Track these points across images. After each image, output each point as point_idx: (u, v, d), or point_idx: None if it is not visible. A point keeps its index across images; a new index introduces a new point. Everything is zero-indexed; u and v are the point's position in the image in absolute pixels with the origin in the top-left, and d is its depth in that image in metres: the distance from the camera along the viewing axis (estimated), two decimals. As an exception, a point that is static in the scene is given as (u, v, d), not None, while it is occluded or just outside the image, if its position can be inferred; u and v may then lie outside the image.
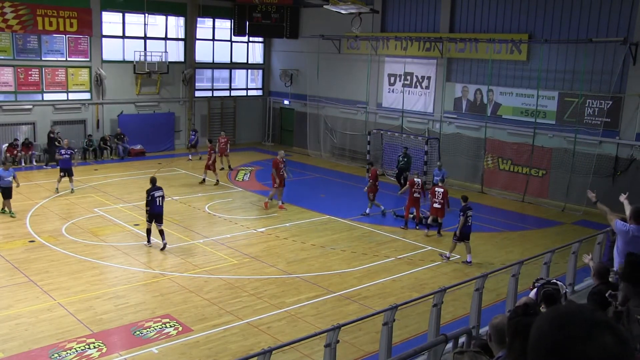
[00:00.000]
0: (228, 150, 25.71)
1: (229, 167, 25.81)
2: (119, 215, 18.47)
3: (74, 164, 21.53)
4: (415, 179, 18.49)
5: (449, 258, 15.69)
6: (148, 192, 15.75)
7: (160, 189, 15.98)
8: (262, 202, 20.57)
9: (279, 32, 31.31)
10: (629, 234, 7.71)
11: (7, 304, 12.08)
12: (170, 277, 13.87)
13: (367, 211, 19.64)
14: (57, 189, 20.99)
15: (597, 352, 1.49)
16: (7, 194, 18.19)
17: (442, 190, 17.68)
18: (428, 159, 23.98)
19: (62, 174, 20.79)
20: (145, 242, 15.98)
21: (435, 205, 17.56)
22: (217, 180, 23.29)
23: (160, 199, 15.78)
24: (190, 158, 27.76)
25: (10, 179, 18.21)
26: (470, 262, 15.40)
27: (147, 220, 15.88)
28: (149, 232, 15.89)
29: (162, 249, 15.58)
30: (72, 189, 20.98)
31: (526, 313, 3.36)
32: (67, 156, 20.96)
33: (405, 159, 23.25)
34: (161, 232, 15.75)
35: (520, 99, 22.94)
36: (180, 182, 23.64)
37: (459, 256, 16.07)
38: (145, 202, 15.81)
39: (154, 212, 15.67)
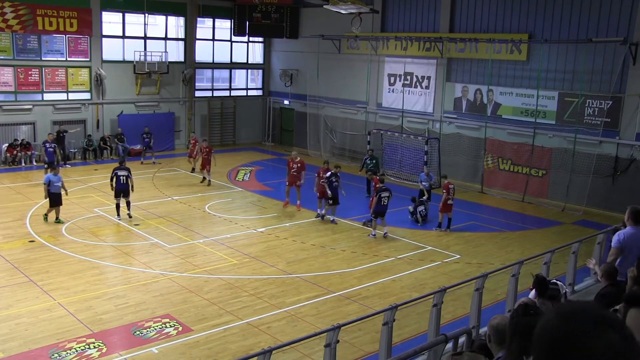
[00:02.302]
0: (196, 153, 24.60)
1: (194, 169, 24.92)
2: (119, 215, 18.46)
3: (57, 160, 22.94)
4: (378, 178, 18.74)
5: (375, 236, 17.33)
6: (113, 170, 18.03)
7: (125, 169, 18.14)
8: (262, 202, 20.63)
9: (279, 32, 31.31)
10: (624, 238, 7.70)
11: (7, 304, 12.08)
12: (170, 277, 13.87)
13: (319, 211, 19.18)
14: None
15: (601, 348, 1.50)
16: (57, 200, 17.44)
17: (453, 186, 18.30)
18: (428, 159, 23.96)
19: (45, 166, 21.84)
20: (116, 217, 18.00)
21: (449, 202, 18.12)
22: (206, 179, 23.09)
23: (124, 177, 17.93)
24: (154, 161, 26.59)
25: (60, 184, 17.50)
26: (386, 234, 17.34)
27: (114, 197, 17.99)
28: (117, 207, 18.02)
29: (129, 217, 18.03)
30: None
31: (526, 313, 3.36)
32: (51, 149, 22.33)
33: (374, 161, 22.75)
34: (128, 204, 18.10)
35: (520, 99, 22.94)
36: (180, 182, 23.65)
37: (459, 256, 16.09)
38: (109, 177, 18.11)
39: (118, 189, 17.91)
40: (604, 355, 1.49)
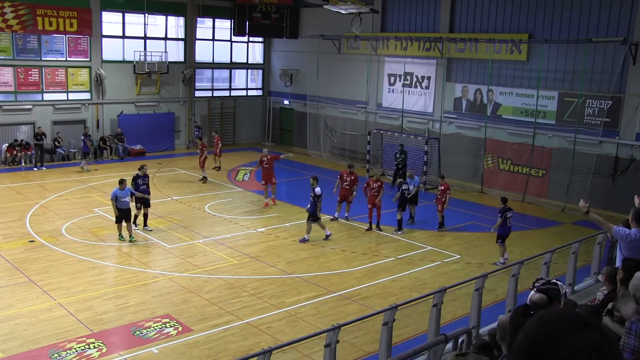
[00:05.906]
0: (220, 151, 25.56)
1: (219, 168, 25.75)
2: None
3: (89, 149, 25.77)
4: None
5: (505, 260, 15.29)
6: (134, 179, 17.24)
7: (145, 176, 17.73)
8: (261, 202, 20.65)
9: (279, 32, 31.30)
10: (630, 237, 7.56)
11: (7, 304, 12.09)
12: (170, 277, 13.87)
13: (336, 215, 19.12)
14: (87, 168, 24.70)
15: (583, 346, 1.52)
16: (126, 216, 16.17)
17: (442, 187, 18.21)
18: (428, 159, 23.97)
19: (84, 161, 24.87)
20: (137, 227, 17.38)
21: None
22: (205, 177, 23.60)
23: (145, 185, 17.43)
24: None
25: (128, 199, 16.17)
26: (503, 262, 15.21)
27: (136, 207, 17.22)
28: (136, 217, 17.20)
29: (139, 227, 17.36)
30: (86, 168, 24.74)
31: (526, 313, 3.37)
32: (85, 140, 25.11)
33: (402, 156, 23.31)
34: (143, 217, 17.38)
35: (520, 99, 22.93)
36: (180, 182, 23.64)
37: (459, 256, 16.08)
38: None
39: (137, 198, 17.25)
40: (586, 353, 1.51)
